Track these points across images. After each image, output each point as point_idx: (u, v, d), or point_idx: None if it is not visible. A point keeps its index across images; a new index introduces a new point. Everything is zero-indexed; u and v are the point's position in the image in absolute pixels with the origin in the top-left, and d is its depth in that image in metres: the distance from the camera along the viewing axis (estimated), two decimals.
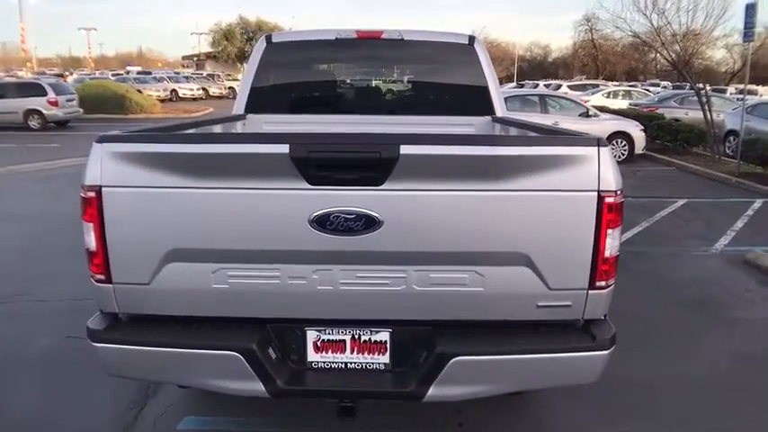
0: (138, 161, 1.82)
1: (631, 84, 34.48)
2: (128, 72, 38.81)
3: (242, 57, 39.06)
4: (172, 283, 1.89)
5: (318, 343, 2.00)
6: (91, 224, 1.86)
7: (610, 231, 1.90)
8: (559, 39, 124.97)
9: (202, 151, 1.83)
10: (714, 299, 4.43)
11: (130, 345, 1.93)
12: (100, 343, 1.94)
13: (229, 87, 35.50)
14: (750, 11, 8.84)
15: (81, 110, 17.17)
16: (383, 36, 3.64)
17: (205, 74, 37.60)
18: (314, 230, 1.81)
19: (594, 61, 53.19)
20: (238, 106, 3.68)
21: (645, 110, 16.54)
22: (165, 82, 31.21)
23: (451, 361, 1.88)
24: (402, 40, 3.65)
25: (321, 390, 2.00)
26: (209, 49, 42.30)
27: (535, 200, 1.85)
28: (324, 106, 3.79)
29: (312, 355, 2.01)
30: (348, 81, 3.91)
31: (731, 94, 22.42)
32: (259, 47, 3.67)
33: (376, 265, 1.88)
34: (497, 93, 3.75)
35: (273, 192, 1.80)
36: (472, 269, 1.90)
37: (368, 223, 1.80)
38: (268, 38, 3.66)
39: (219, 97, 33.18)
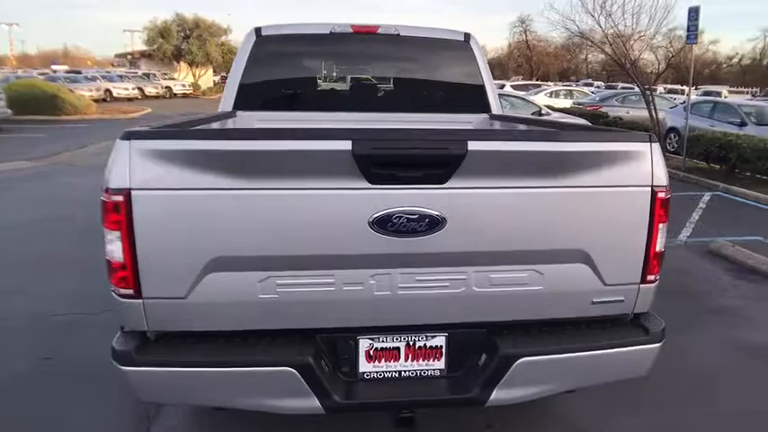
0: (173, 160, 1.62)
1: (566, 83, 35.87)
2: (54, 71, 36.54)
3: (179, 55, 37.66)
4: (213, 295, 1.71)
5: (371, 352, 1.89)
6: (117, 232, 1.65)
7: (661, 226, 1.90)
8: (495, 40, 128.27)
9: (252, 148, 1.65)
10: (691, 288, 4.61)
11: (170, 366, 1.72)
12: (131, 366, 1.72)
13: (166, 87, 34.20)
14: (693, 14, 9.32)
15: (10, 111, 15.97)
16: (379, 31, 3.54)
17: (140, 73, 35.98)
18: (374, 232, 1.70)
19: (529, 62, 55.00)
20: (226, 102, 3.47)
21: (588, 108, 17.21)
22: (99, 81, 29.58)
23: (517, 362, 1.83)
24: (398, 35, 3.57)
25: (380, 402, 1.88)
26: (143, 47, 40.50)
27: (594, 196, 1.82)
28: (317, 103, 3.65)
29: (364, 366, 1.89)
30: (343, 77, 3.78)
31: (660, 93, 23.71)
32: (248, 40, 3.47)
33: (437, 267, 1.79)
34: (493, 90, 3.75)
35: (330, 192, 1.67)
36: (532, 268, 1.85)
37: (431, 223, 1.71)
38: (257, 31, 3.46)
39: (156, 97, 31.87)
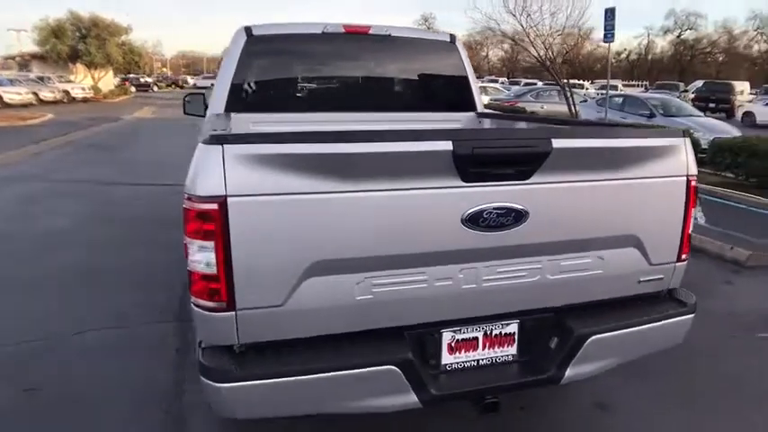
0: (269, 164, 1.59)
1: (492, 79, 37.42)
2: None
3: (75, 56, 35.01)
4: (310, 301, 1.71)
5: (453, 344, 1.97)
6: (210, 243, 1.60)
7: (692, 210, 2.14)
8: None
9: (353, 151, 1.67)
10: None
11: (273, 378, 1.68)
12: (230, 383, 1.66)
13: (64, 91, 31.71)
14: (609, 14, 10.11)
15: None
16: (371, 32, 3.60)
17: (33, 76, 33.10)
18: (466, 228, 1.78)
19: None
20: (216, 105, 3.37)
21: (506, 104, 18.13)
22: None
23: (588, 341, 1.98)
24: (389, 36, 3.65)
25: (470, 390, 1.96)
26: (33, 48, 37.24)
27: (644, 186, 2.02)
28: (311, 104, 3.63)
29: (446, 357, 1.97)
30: (336, 77, 3.78)
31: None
32: (237, 40, 3.38)
33: (517, 258, 1.91)
34: (477, 89, 3.93)
35: (427, 191, 1.73)
36: (595, 254, 2.01)
37: (516, 217, 1.82)
38: (248, 30, 3.39)
39: (54, 102, 29.47)
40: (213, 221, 1.58)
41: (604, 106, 13.48)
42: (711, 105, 24.00)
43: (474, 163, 1.73)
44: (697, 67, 56.36)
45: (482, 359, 2.02)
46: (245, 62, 3.34)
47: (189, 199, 1.62)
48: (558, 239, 1.93)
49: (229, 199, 1.57)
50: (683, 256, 2.19)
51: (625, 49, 61.33)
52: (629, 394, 2.94)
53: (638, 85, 43.65)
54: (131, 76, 45.90)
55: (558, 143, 1.80)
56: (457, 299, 1.88)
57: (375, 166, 1.69)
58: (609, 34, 10.41)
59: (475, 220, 1.78)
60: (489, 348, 2.02)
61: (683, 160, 2.08)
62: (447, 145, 1.70)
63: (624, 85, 38.69)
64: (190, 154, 1.71)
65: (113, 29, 36.65)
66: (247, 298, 1.66)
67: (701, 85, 29.94)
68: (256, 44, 3.36)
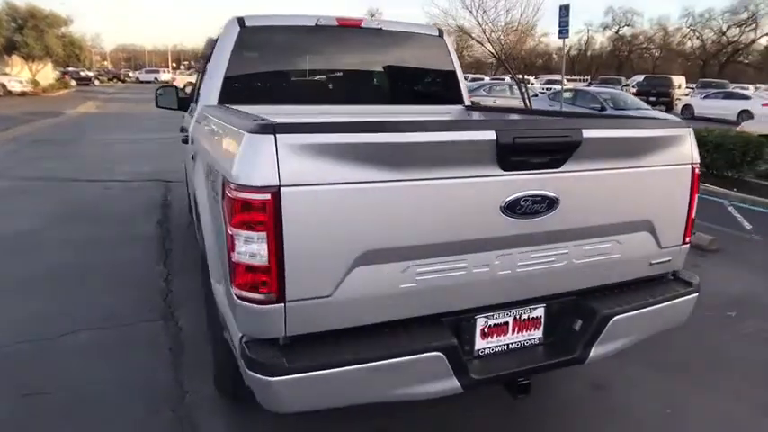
0: (321, 154, 1.59)
1: None
2: None
3: (12, 48, 32.99)
4: (357, 290, 1.72)
5: (485, 329, 2.02)
6: (262, 233, 1.58)
7: (695, 196, 2.29)
8: None
9: (403, 141, 1.68)
10: None
11: (325, 369, 1.67)
12: (280, 376, 1.64)
13: (0, 84, 29.90)
14: (563, 11, 10.44)
15: None
16: (363, 25, 3.62)
17: None
18: (504, 216, 1.84)
19: None
20: (208, 96, 3.29)
21: None
22: None
23: (611, 321, 2.08)
24: (381, 29, 3.67)
25: (506, 373, 2.02)
26: None
27: (658, 173, 2.14)
28: (305, 96, 3.60)
29: (479, 343, 2.02)
30: (330, 70, 3.76)
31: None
32: (230, 30, 3.32)
33: (548, 244, 1.98)
34: (464, 83, 4.01)
35: (470, 180, 1.77)
36: (614, 238, 2.12)
37: (549, 204, 1.90)
38: (240, 21, 3.33)
39: None
40: (266, 212, 1.56)
41: (556, 100, 13.91)
42: (652, 99, 25.10)
43: (514, 152, 1.79)
44: (634, 63, 58.90)
45: (511, 343, 2.08)
46: (238, 53, 3.28)
47: (236, 189, 1.59)
48: (583, 225, 2.02)
49: (283, 189, 1.56)
50: (687, 239, 2.33)
51: (566, 45, 63.30)
52: (619, 367, 3.09)
53: (580, 80, 45.21)
54: (71, 69, 43.73)
55: (587, 133, 1.89)
56: (492, 285, 1.94)
57: (423, 156, 1.72)
58: (564, 30, 10.77)
59: (512, 208, 1.84)
60: (518, 332, 2.09)
61: (689, 149, 2.22)
62: (491, 135, 1.75)
63: (568, 80, 39.99)
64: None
65: (52, 20, 34.75)
66: (297, 289, 1.65)
67: (641, 79, 31.33)
68: (250, 35, 3.31)
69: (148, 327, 3.56)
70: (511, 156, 1.79)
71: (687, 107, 22.70)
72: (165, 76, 49.21)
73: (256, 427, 2.57)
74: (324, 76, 3.72)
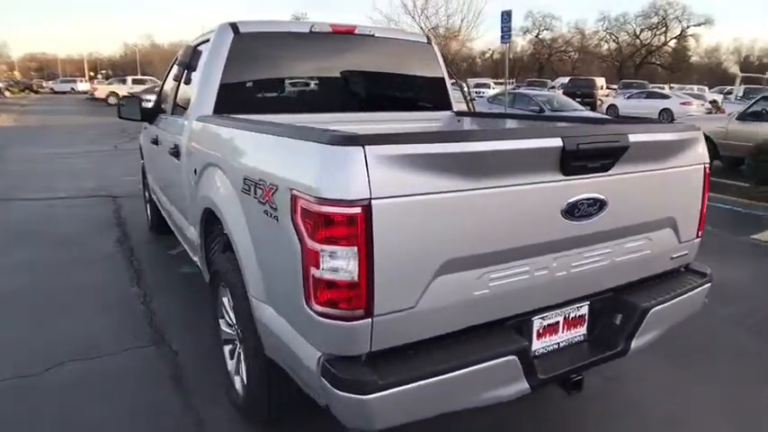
0: (407, 164, 1.57)
1: None
2: None
3: None
4: (437, 300, 1.70)
5: (540, 330, 2.06)
6: (352, 248, 1.53)
7: (707, 194, 2.44)
8: None
9: (482, 149, 1.69)
10: None
11: (411, 383, 1.63)
12: (376, 393, 1.58)
13: None
14: (506, 17, 10.82)
15: None
16: (356, 32, 3.59)
17: None
18: (563, 219, 1.89)
19: None
20: (202, 106, 3.14)
21: None
22: None
23: (649, 313, 2.17)
24: (373, 36, 3.65)
25: (565, 371, 2.04)
26: None
27: (680, 173, 2.27)
28: (303, 104, 3.51)
29: (535, 344, 2.05)
30: (326, 78, 3.67)
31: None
32: (223, 36, 3.18)
33: (596, 244, 2.05)
34: (451, 89, 4.06)
35: (537, 186, 1.81)
36: (646, 235, 2.21)
37: (599, 206, 1.96)
38: (234, 27, 3.20)
39: None
40: (357, 226, 1.51)
41: (494, 103, 14.35)
42: (578, 100, 26.45)
43: (576, 158, 1.83)
44: (555, 65, 61.79)
45: (561, 342, 2.13)
46: (233, 61, 3.15)
47: (321, 203, 1.53)
48: (625, 225, 2.10)
49: (373, 201, 1.52)
50: (700, 233, 2.48)
51: (489, 49, 65.62)
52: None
53: (509, 83, 46.77)
54: None
55: (632, 138, 1.97)
56: (549, 287, 1.98)
57: (498, 164, 1.73)
58: (506, 35, 11.17)
59: (571, 211, 1.89)
60: (567, 331, 2.13)
61: (702, 150, 2.37)
62: (557, 141, 1.79)
63: (495, 83, 41.35)
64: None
65: None
66: (384, 304, 1.61)
67: (566, 81, 32.89)
68: (244, 42, 3.19)
69: (139, 354, 3.34)
70: (572, 161, 1.84)
71: (612, 107, 24.04)
72: (82, 85, 46.59)
73: None
74: (321, 85, 3.64)
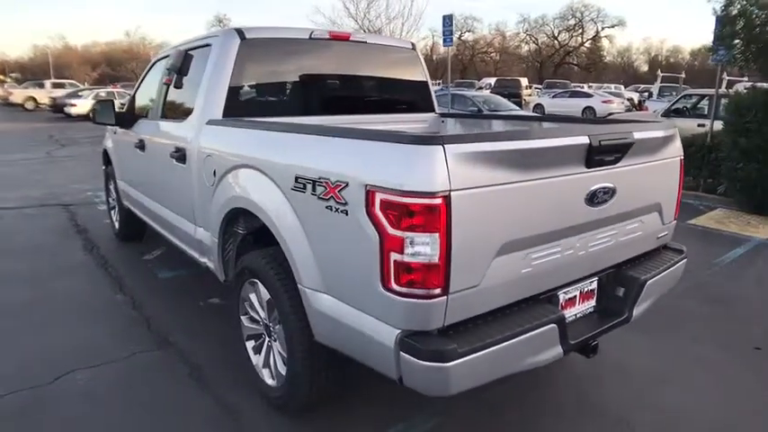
0: (476, 160, 1.82)
1: None
2: None
3: None
4: (494, 278, 1.95)
5: (563, 303, 2.35)
6: (434, 234, 1.76)
7: (682, 182, 2.84)
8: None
9: (536, 146, 1.97)
10: None
11: (481, 350, 1.86)
12: (456, 360, 1.80)
13: None
14: (447, 20, 11.25)
15: None
16: (351, 38, 3.78)
17: None
18: (586, 206, 2.19)
19: None
20: (210, 110, 3.21)
21: None
22: None
23: (646, 285, 2.52)
24: (366, 42, 3.86)
25: (586, 337, 2.33)
26: None
27: (665, 164, 2.65)
28: (305, 108, 3.63)
29: None
30: (325, 82, 3.77)
31: None
32: (230, 42, 3.26)
33: (606, 227, 2.36)
34: (433, 92, 4.34)
35: (568, 177, 2.10)
36: (640, 218, 2.57)
37: (611, 194, 2.28)
38: (240, 32, 3.29)
39: None
40: (438, 214, 1.73)
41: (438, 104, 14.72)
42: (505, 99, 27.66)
43: (597, 152, 2.14)
44: (478, 66, 63.88)
45: (578, 313, 2.43)
46: (240, 65, 3.24)
47: (406, 195, 1.74)
48: (627, 210, 2.44)
49: (452, 193, 1.75)
50: (675, 216, 2.88)
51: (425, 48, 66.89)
52: None
53: (436, 84, 48.04)
54: None
55: (636, 135, 2.32)
56: (573, 264, 2.27)
57: (544, 158, 2.01)
58: (448, 39, 11.62)
59: (591, 198, 2.20)
60: (581, 303, 2.44)
61: (679, 145, 2.76)
62: (585, 139, 2.10)
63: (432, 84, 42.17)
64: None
65: None
66: (457, 282, 1.84)
67: (492, 82, 34.19)
68: (251, 47, 3.29)
69: (148, 357, 3.37)
70: (595, 155, 2.14)
71: (538, 106, 25.31)
72: None
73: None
74: (321, 89, 3.77)
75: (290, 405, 2.66)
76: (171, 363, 3.30)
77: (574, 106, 22.61)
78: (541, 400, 2.95)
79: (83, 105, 23.37)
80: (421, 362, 1.81)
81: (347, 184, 1.96)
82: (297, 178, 2.23)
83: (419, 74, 4.20)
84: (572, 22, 58.01)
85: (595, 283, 2.49)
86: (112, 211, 6.01)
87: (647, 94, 27.20)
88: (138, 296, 4.34)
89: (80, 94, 25.25)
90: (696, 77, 33.96)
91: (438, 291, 1.82)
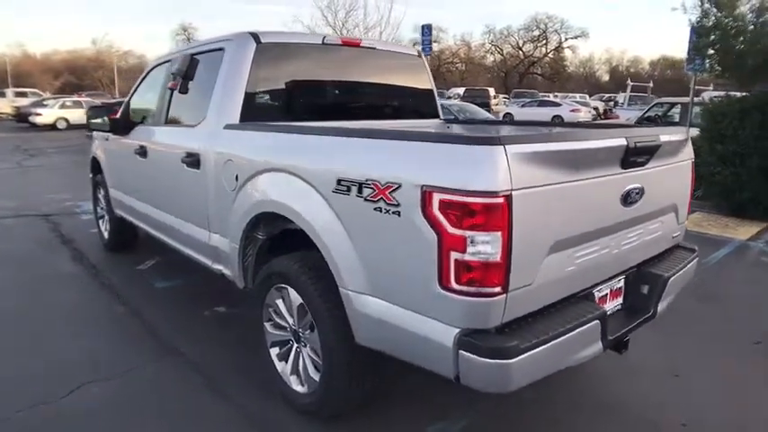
0: (534, 160, 1.86)
1: None
2: None
3: None
4: (545, 276, 1.99)
5: (597, 300, 2.41)
6: (496, 233, 1.78)
7: (693, 184, 2.96)
8: (159, 48, 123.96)
9: (588, 147, 2.04)
10: None
11: (540, 346, 1.89)
12: (518, 356, 1.83)
13: None
14: (426, 30, 11.41)
15: None
16: (361, 44, 3.81)
17: None
18: (620, 205, 2.27)
19: None
20: (227, 115, 3.17)
21: None
22: None
23: (669, 282, 2.60)
24: (375, 49, 3.89)
25: (620, 334, 2.38)
26: None
27: (681, 167, 2.76)
28: (319, 113, 3.62)
29: None
30: (338, 87, 3.77)
31: None
32: (245, 46, 3.23)
33: (635, 226, 2.45)
34: (438, 98, 4.40)
35: (608, 177, 2.17)
36: (660, 219, 2.66)
37: (640, 194, 2.36)
38: (255, 36, 3.26)
39: None
40: (501, 213, 1.77)
41: None
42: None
43: (632, 153, 2.22)
44: (444, 76, 64.62)
45: (608, 310, 2.49)
46: (255, 69, 3.21)
47: (469, 195, 1.76)
48: (652, 209, 2.53)
49: (513, 192, 1.78)
50: (687, 216, 3.00)
51: None
52: None
53: None
54: None
55: (662, 138, 2.41)
56: (606, 263, 2.34)
57: (591, 159, 2.08)
58: (426, 48, 11.77)
59: (625, 198, 2.27)
60: (611, 301, 2.51)
61: (690, 149, 2.88)
62: (623, 140, 2.18)
63: None
64: None
65: None
66: (515, 280, 1.87)
67: (461, 91, 34.73)
68: (266, 52, 3.26)
69: (160, 368, 3.29)
70: (630, 157, 2.22)
71: (508, 114, 25.81)
72: None
73: None
74: (334, 94, 3.77)
75: (322, 411, 2.64)
76: (185, 373, 3.23)
77: (543, 115, 23.14)
78: (569, 396, 3.01)
79: (48, 115, 22.73)
80: (483, 359, 1.83)
81: (399, 186, 1.97)
82: (339, 181, 2.23)
83: (425, 81, 4.26)
84: (536, 33, 59.38)
85: (622, 281, 2.56)
86: (101, 221, 5.86)
87: (612, 102, 28.07)
88: (138, 306, 4.24)
89: (45, 103, 24.54)
90: (657, 87, 35.19)
91: (498, 289, 1.84)
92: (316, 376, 2.60)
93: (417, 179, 1.92)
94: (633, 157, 2.25)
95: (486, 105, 28.57)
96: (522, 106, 26.30)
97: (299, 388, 2.74)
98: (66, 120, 23.32)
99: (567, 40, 58.24)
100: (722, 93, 7.47)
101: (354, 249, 2.22)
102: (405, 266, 2.02)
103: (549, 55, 59.68)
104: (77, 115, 23.25)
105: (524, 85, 53.59)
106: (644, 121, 10.55)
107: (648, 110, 10.76)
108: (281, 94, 3.48)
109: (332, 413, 2.64)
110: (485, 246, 1.79)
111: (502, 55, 62.33)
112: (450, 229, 1.82)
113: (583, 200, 2.09)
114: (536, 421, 2.81)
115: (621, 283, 2.56)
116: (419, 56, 4.22)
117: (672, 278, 2.64)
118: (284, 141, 2.72)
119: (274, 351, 2.91)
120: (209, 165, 3.22)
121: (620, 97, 23.01)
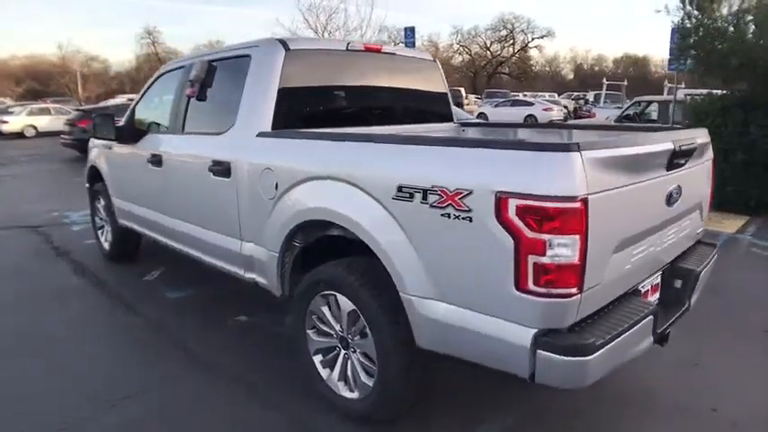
0: (605, 165, 1.95)
1: None
2: None
3: None
4: (610, 275, 2.08)
5: (642, 295, 2.53)
6: (575, 236, 1.87)
7: (714, 183, 3.11)
8: (121, 53, 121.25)
9: (650, 150, 2.18)
10: None
11: (612, 342, 1.98)
12: (595, 353, 1.92)
13: None
14: (409, 32, 11.50)
15: None
16: (382, 50, 3.86)
17: None
18: (664, 205, 2.39)
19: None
20: (258, 122, 3.16)
21: None
22: None
23: (700, 275, 2.75)
24: (395, 54, 3.95)
25: (665, 328, 2.48)
26: None
27: (705, 167, 2.90)
28: (346, 118, 3.64)
29: None
30: (364, 93, 3.80)
31: None
32: (274, 52, 3.23)
33: (674, 224, 2.57)
34: (451, 103, 4.49)
35: (658, 179, 2.29)
36: (689, 216, 2.80)
37: (679, 193, 2.49)
38: (284, 43, 3.27)
39: None
40: (579, 217, 1.85)
41: None
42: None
43: (677, 156, 2.35)
44: None
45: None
46: (286, 77, 3.22)
47: (548, 200, 1.84)
48: (686, 208, 2.66)
49: (590, 196, 1.86)
50: (708, 214, 3.15)
51: None
52: None
53: None
54: None
55: (697, 140, 2.54)
56: (651, 260, 2.45)
57: (649, 162, 2.20)
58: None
59: (668, 199, 2.39)
60: (651, 295, 2.63)
61: (710, 149, 3.03)
62: (670, 144, 2.30)
63: None
64: None
65: None
66: (589, 280, 1.95)
67: None
68: (295, 59, 3.27)
69: (195, 379, 3.24)
70: (674, 159, 2.34)
71: (481, 114, 26.13)
72: None
73: None
74: (357, 99, 3.79)
75: (376, 415, 2.67)
76: (223, 384, 3.21)
77: (516, 115, 23.51)
78: (589, 390, 3.11)
79: (15, 123, 22.05)
80: (561, 357, 1.91)
81: (471, 192, 2.03)
82: (400, 188, 2.27)
83: (440, 85, 4.33)
84: (503, 32, 60.20)
85: (659, 277, 2.68)
86: (100, 231, 5.75)
87: (582, 101, 28.70)
88: (155, 318, 4.19)
89: (11, 110, 23.75)
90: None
91: (574, 289, 1.92)
92: (369, 382, 2.62)
93: (491, 185, 1.97)
94: (677, 158, 2.37)
95: (459, 105, 29.03)
96: (496, 106, 26.64)
97: (348, 394, 2.76)
98: (35, 127, 22.66)
99: (533, 39, 59.26)
100: (699, 91, 7.78)
101: (417, 255, 2.26)
102: (476, 270, 2.07)
103: (517, 55, 60.62)
104: (45, 122, 22.61)
105: (493, 85, 54.32)
106: (623, 120, 10.88)
107: (627, 108, 11.10)
108: (309, 100, 3.49)
109: (387, 417, 2.68)
110: (563, 249, 1.87)
111: (470, 55, 62.98)
112: (529, 234, 1.89)
113: (640, 201, 2.21)
114: (562, 413, 2.90)
115: (659, 279, 2.68)
116: (434, 60, 4.29)
117: (702, 271, 2.78)
118: (333, 149, 2.73)
119: (317, 358, 2.92)
120: (241, 173, 3.21)
121: (590, 96, 23.58)
